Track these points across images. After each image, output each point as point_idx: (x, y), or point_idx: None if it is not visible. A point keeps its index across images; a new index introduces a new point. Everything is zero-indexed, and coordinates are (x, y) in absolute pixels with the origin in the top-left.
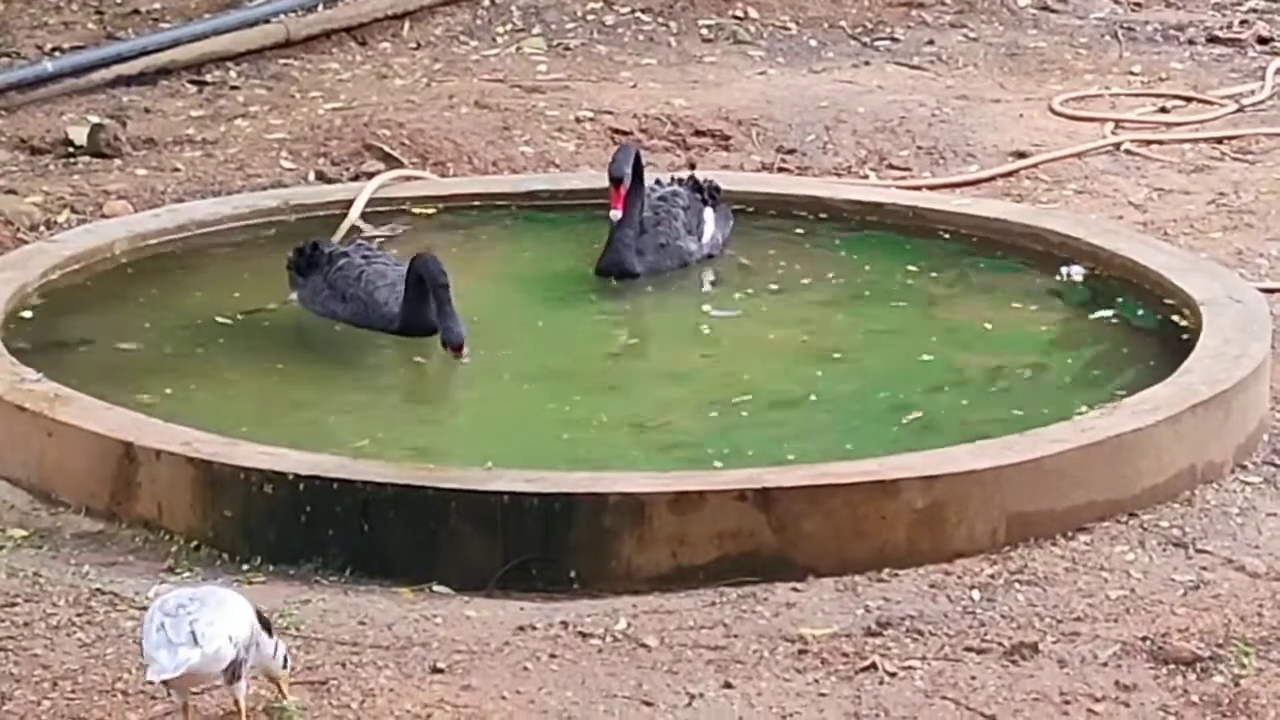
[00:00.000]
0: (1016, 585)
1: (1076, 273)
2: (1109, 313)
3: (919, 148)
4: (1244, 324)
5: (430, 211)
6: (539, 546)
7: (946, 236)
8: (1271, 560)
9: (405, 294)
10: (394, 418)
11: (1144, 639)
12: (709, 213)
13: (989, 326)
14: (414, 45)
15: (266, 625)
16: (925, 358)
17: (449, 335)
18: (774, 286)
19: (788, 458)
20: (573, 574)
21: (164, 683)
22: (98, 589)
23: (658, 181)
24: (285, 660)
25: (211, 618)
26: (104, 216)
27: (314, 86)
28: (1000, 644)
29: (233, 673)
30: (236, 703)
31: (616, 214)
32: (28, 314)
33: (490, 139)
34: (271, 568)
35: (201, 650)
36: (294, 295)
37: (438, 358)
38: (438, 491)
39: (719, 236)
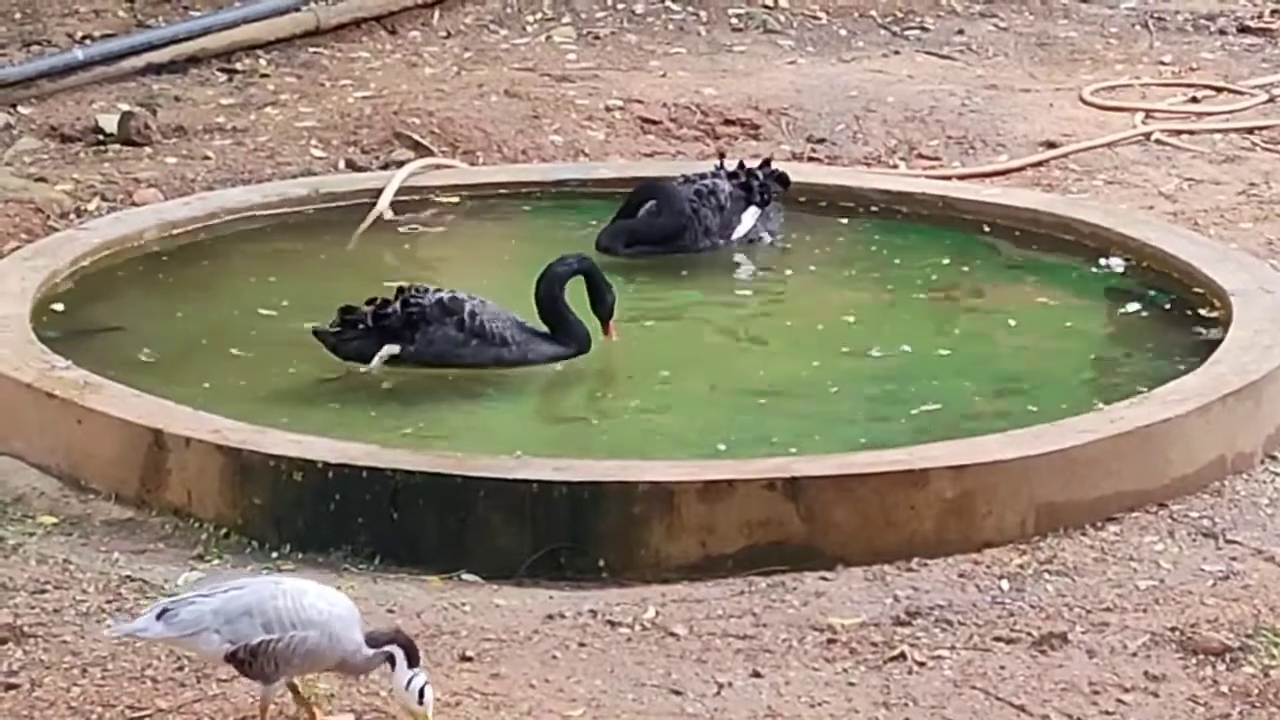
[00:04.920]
0: (1045, 575)
1: (1116, 263)
2: (1138, 303)
3: (949, 137)
4: (1274, 314)
5: (456, 200)
6: (568, 535)
7: (982, 228)
8: None
9: (555, 316)
10: (423, 406)
11: (1173, 629)
12: (751, 211)
13: (1015, 321)
14: (444, 34)
15: (410, 655)
16: (949, 350)
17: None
18: (797, 274)
19: (795, 447)
20: (601, 563)
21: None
22: (127, 576)
23: (719, 167)
24: (422, 694)
25: (208, 609)
26: (134, 204)
27: (344, 75)
28: (1029, 634)
29: (241, 668)
30: (263, 699)
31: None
32: (58, 302)
33: (520, 128)
34: (301, 555)
35: (160, 630)
36: (378, 360)
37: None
38: (466, 480)
39: (761, 231)
